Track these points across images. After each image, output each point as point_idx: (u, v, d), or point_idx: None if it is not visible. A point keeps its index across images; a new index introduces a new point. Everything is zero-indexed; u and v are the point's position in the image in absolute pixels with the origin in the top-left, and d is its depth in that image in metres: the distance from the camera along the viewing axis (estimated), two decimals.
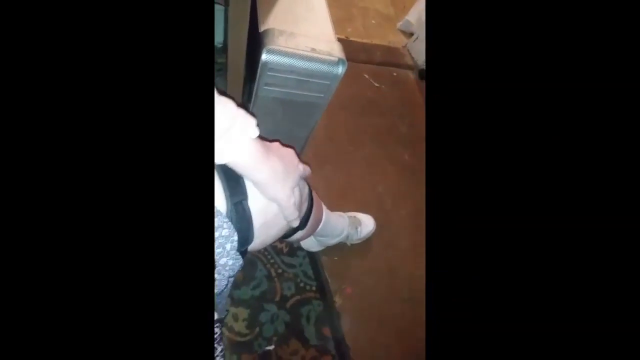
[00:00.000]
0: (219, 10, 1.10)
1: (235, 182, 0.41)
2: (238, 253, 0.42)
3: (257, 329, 0.77)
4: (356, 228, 0.90)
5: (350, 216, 0.90)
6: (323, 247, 0.89)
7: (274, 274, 0.85)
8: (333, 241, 0.87)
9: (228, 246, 0.41)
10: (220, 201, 0.40)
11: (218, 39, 1.18)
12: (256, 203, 0.43)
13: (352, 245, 0.93)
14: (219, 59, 1.15)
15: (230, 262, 0.42)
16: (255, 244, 0.46)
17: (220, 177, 0.41)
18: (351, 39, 1.43)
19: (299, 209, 0.50)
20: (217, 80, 1.11)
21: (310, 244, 0.87)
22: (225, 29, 1.12)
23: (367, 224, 0.92)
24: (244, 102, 0.78)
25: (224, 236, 0.40)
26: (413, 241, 1.00)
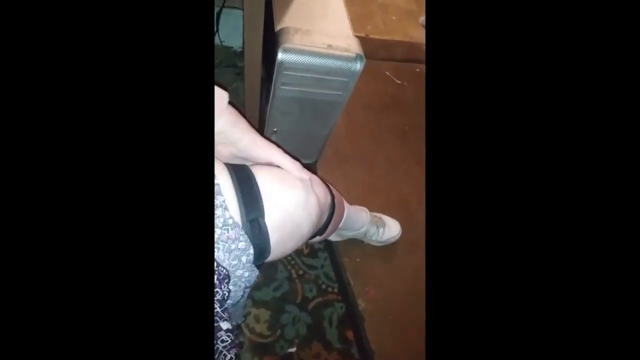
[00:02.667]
0: (239, 15, 1.12)
1: (251, 198, 0.41)
2: (254, 265, 0.42)
3: (279, 331, 0.76)
4: (377, 228, 0.87)
5: (375, 215, 0.88)
6: (340, 239, 0.87)
7: (294, 275, 0.84)
8: (350, 234, 0.85)
9: (244, 259, 0.40)
10: (237, 216, 0.40)
11: (239, 42, 1.19)
12: (272, 219, 0.42)
13: (374, 248, 0.90)
14: (239, 63, 1.16)
15: (247, 274, 0.41)
16: (273, 256, 0.45)
17: (236, 194, 0.40)
18: (371, 36, 1.41)
19: (319, 216, 0.50)
20: (238, 84, 1.12)
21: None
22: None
23: (391, 228, 0.89)
24: (262, 103, 0.78)
25: (240, 249, 0.39)
26: None
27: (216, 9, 1.04)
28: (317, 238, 0.61)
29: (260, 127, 0.86)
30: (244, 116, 0.46)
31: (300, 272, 0.85)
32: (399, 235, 0.91)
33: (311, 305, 0.81)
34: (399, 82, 1.30)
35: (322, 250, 0.89)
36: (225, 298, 0.37)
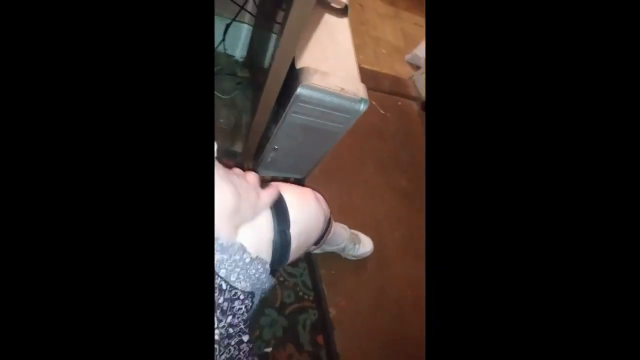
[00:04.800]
0: (245, 28, 1.17)
1: (281, 212, 0.49)
2: (270, 275, 0.48)
3: (257, 331, 0.83)
4: (354, 244, 0.98)
5: (353, 232, 0.99)
6: (320, 251, 0.97)
7: (275, 281, 0.92)
8: (330, 248, 0.96)
9: (264, 277, 0.46)
10: (268, 228, 0.47)
11: (241, 53, 1.25)
12: (294, 230, 0.50)
13: (348, 262, 1.01)
14: (239, 72, 1.21)
15: (266, 285, 0.48)
16: (287, 262, 0.53)
17: (271, 209, 0.48)
18: (362, 65, 1.53)
19: (323, 229, 0.59)
20: (237, 93, 1.17)
21: None
22: (252, 46, 1.19)
23: (365, 245, 1.00)
24: (269, 122, 0.85)
25: (259, 271, 0.45)
26: (404, 262, 1.09)
27: (227, 21, 1.09)
28: (313, 247, 0.70)
29: (261, 142, 0.93)
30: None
31: (281, 278, 0.93)
32: (371, 252, 1.03)
33: (288, 310, 0.89)
34: (382, 112, 1.43)
35: (302, 261, 0.98)
36: (249, 309, 0.44)
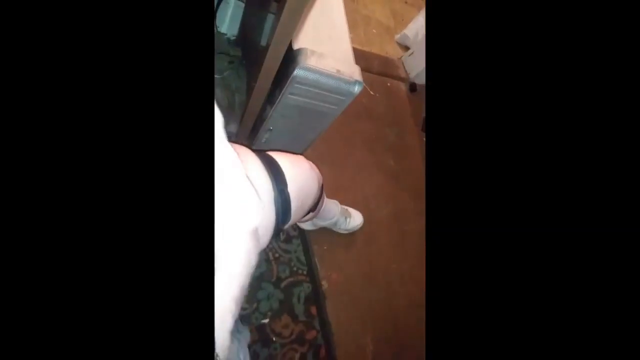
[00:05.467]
0: (236, 5, 1.15)
1: (277, 174, 0.53)
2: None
3: (255, 304, 0.88)
4: (345, 218, 1.03)
5: (344, 208, 1.03)
6: (314, 228, 1.02)
7: (271, 257, 0.96)
8: (323, 223, 1.00)
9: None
10: (268, 189, 0.51)
11: (230, 30, 1.22)
12: (292, 190, 0.54)
13: (339, 238, 1.06)
14: (232, 52, 1.20)
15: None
16: (291, 222, 0.57)
17: (266, 170, 0.51)
18: (353, 46, 1.53)
19: (319, 192, 0.64)
20: (229, 73, 1.16)
21: (305, 223, 1.00)
22: (244, 24, 1.17)
23: (356, 218, 1.05)
24: (264, 103, 0.86)
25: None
26: (391, 238, 1.16)
27: None
28: (310, 215, 0.74)
29: (255, 123, 0.94)
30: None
31: (277, 255, 0.97)
32: (361, 224, 1.08)
33: (283, 284, 0.94)
34: (372, 93, 1.45)
35: (296, 238, 1.02)
36: None
